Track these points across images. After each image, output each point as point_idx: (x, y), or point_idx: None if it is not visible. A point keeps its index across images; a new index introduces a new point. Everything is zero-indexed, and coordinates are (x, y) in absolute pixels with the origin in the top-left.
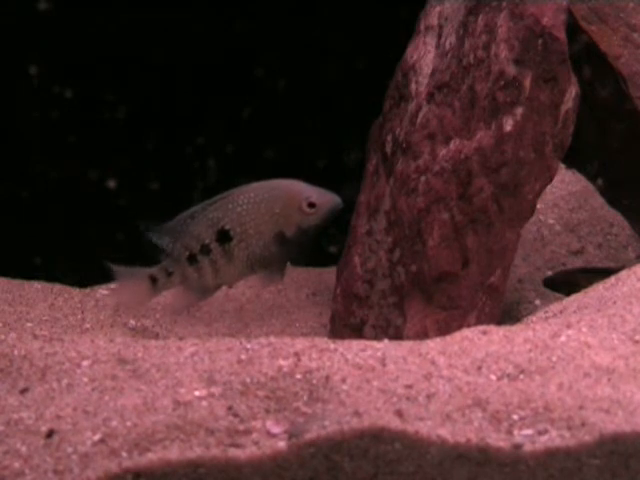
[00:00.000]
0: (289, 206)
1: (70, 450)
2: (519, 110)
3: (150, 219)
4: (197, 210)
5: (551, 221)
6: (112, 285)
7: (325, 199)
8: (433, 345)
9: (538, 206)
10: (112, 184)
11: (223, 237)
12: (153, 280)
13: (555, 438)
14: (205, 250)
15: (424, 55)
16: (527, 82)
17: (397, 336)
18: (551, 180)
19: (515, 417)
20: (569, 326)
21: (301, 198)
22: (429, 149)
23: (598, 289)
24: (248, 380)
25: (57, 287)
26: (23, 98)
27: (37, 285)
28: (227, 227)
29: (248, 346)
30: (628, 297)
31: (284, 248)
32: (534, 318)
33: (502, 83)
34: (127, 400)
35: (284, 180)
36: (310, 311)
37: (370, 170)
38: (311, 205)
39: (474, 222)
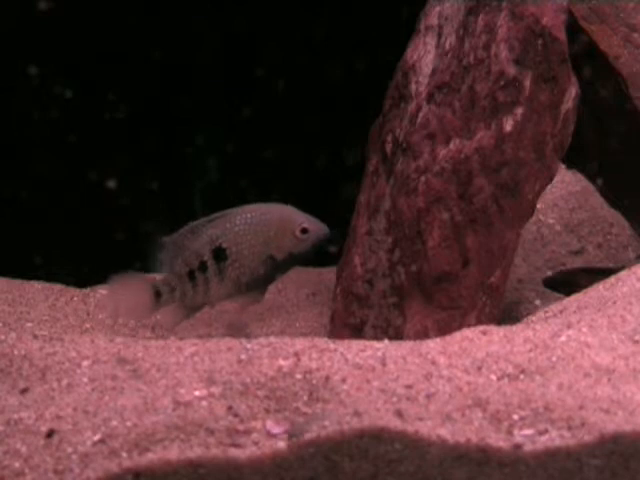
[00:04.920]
0: (283, 231)
1: (70, 450)
2: (519, 110)
3: (151, 222)
4: (197, 225)
5: (551, 221)
6: (109, 289)
7: (316, 227)
8: (433, 345)
9: (538, 206)
10: (112, 184)
11: (219, 255)
12: (157, 294)
13: (555, 438)
14: (203, 267)
15: (424, 55)
16: (527, 82)
17: (397, 336)
18: (551, 180)
19: (515, 417)
20: (569, 326)
21: (295, 224)
22: (429, 149)
23: (598, 289)
24: (248, 380)
25: (57, 287)
26: (23, 98)
27: (37, 285)
28: (224, 245)
29: (248, 346)
30: (628, 297)
31: (272, 271)
32: (534, 318)
33: (502, 83)
34: (127, 400)
35: (279, 205)
36: (310, 311)
37: (370, 170)
38: (304, 231)
39: (474, 222)
